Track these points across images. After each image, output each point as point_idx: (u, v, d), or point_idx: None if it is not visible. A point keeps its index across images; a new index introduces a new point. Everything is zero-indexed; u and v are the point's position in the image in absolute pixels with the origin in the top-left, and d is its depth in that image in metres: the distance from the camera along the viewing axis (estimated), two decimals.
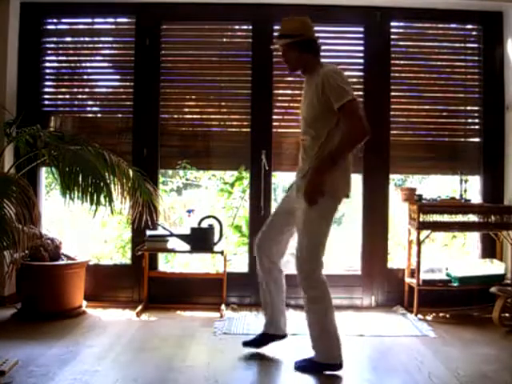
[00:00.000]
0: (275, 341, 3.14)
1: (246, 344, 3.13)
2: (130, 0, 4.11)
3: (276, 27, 4.11)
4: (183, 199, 5.00)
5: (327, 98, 2.70)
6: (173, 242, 3.95)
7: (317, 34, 2.93)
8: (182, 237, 3.90)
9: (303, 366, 2.85)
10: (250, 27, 4.16)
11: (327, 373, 2.78)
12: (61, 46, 4.31)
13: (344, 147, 2.71)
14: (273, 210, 3.99)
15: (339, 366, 2.80)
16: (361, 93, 4.15)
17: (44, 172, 4.30)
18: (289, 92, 4.27)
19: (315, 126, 2.79)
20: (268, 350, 3.12)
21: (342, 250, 4.60)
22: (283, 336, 3.15)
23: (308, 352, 2.87)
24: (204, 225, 3.92)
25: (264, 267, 3.06)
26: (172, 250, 4.02)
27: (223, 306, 3.91)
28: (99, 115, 4.32)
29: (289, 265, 4.39)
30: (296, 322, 3.36)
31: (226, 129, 4.27)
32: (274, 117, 4.13)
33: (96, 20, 4.26)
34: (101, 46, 4.28)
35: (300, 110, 2.99)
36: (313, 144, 2.81)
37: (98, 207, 3.05)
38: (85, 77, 4.28)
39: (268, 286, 3.08)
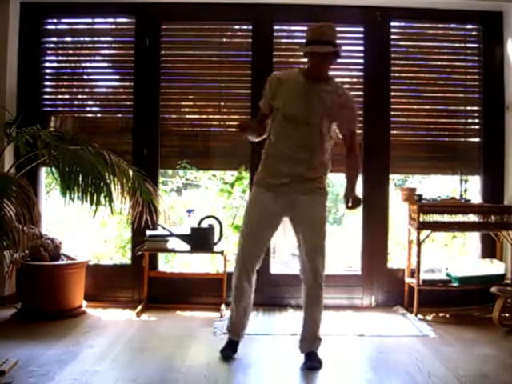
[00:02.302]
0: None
1: (225, 355, 2.97)
2: (130, 0, 4.10)
3: (276, 27, 4.12)
4: (183, 199, 5.00)
5: (339, 117, 2.81)
6: (173, 242, 3.95)
7: None
8: (182, 237, 3.90)
9: (316, 366, 2.84)
10: (250, 27, 4.16)
11: (327, 373, 2.79)
12: (61, 46, 4.31)
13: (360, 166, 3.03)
14: None
15: None
16: (361, 93, 4.16)
17: (44, 172, 4.30)
18: None
19: (320, 134, 2.81)
20: (268, 349, 3.13)
21: (342, 250, 4.60)
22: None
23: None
24: (204, 225, 3.92)
25: (249, 281, 2.94)
26: (172, 250, 4.02)
27: (223, 306, 3.91)
28: (99, 115, 4.32)
29: (289, 264, 4.40)
30: (296, 321, 3.36)
31: (226, 129, 4.26)
32: None
33: (96, 20, 4.26)
34: (101, 46, 4.28)
35: (295, 110, 2.80)
36: (315, 151, 2.83)
37: (97, 207, 3.05)
38: (85, 77, 4.28)
39: (248, 297, 2.98)
